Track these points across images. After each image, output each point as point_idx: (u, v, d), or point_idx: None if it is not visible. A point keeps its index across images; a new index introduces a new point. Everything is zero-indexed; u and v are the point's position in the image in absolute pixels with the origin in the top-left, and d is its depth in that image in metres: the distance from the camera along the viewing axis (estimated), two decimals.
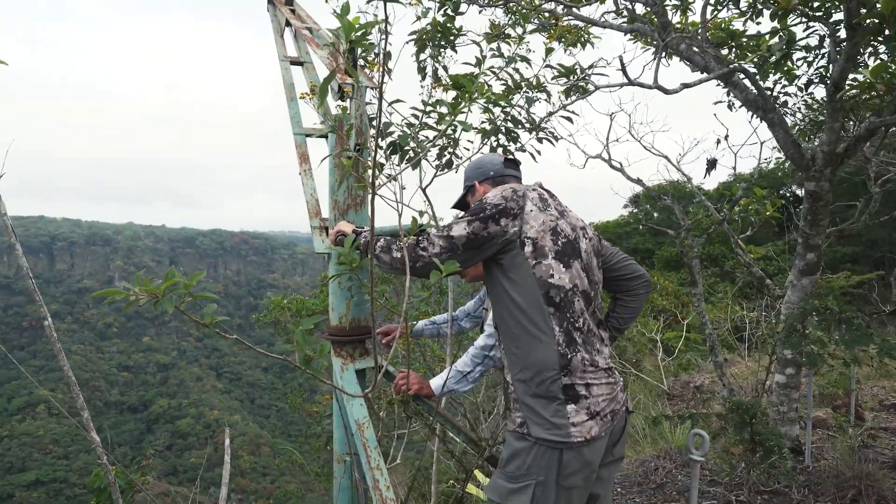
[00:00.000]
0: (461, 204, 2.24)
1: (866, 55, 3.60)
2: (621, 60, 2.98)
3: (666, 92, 3.18)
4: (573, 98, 3.37)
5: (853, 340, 2.68)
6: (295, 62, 3.48)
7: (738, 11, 4.34)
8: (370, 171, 2.39)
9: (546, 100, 3.18)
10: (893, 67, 2.13)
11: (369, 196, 2.55)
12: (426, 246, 1.85)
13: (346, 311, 2.41)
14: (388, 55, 3.05)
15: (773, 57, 3.07)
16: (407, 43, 3.60)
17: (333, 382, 2.48)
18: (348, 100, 2.48)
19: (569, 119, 3.13)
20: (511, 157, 2.14)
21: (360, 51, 2.83)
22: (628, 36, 5.00)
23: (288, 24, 3.63)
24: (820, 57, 4.04)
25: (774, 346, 3.49)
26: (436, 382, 2.42)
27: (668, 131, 5.95)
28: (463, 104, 1.76)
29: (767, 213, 5.50)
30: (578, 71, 3.37)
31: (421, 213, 1.83)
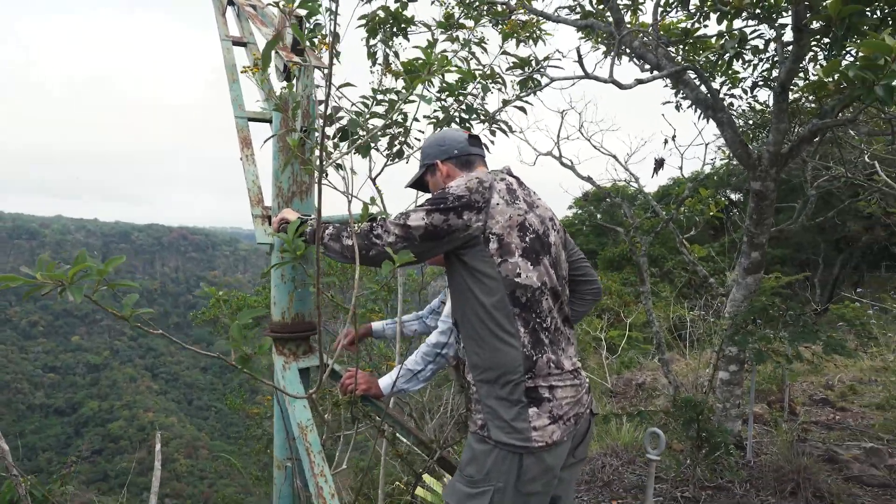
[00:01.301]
0: (418, 183, 2.09)
1: (807, 59, 3.69)
2: (578, 52, 2.93)
3: (621, 87, 3.15)
4: (528, 90, 3.30)
5: (800, 337, 2.73)
6: (237, 42, 3.28)
7: (686, 13, 4.40)
8: (317, 155, 2.24)
9: (500, 90, 3.11)
10: (843, 68, 2.15)
11: (316, 182, 2.40)
12: (380, 233, 1.71)
13: (289, 306, 2.25)
14: (336, 36, 2.90)
15: (727, 55, 3.09)
16: (358, 27, 3.45)
17: (274, 383, 2.31)
18: (294, 80, 2.32)
19: (522, 110, 3.05)
20: (473, 133, 2.00)
21: (307, 29, 2.66)
22: (580, 33, 5.00)
23: (231, 2, 3.42)
24: (764, 60, 4.14)
25: (721, 343, 3.54)
26: (385, 382, 2.29)
27: (616, 130, 6.01)
28: (425, 74, 1.63)
29: (711, 214, 5.65)
30: (534, 63, 3.30)
31: (372, 201, 1.70)
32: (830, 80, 2.45)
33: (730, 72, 4.60)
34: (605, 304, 12.50)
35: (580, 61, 2.99)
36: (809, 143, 3.56)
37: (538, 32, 5.25)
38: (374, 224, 1.73)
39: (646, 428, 4.92)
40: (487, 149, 3.20)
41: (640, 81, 3.21)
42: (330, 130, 2.79)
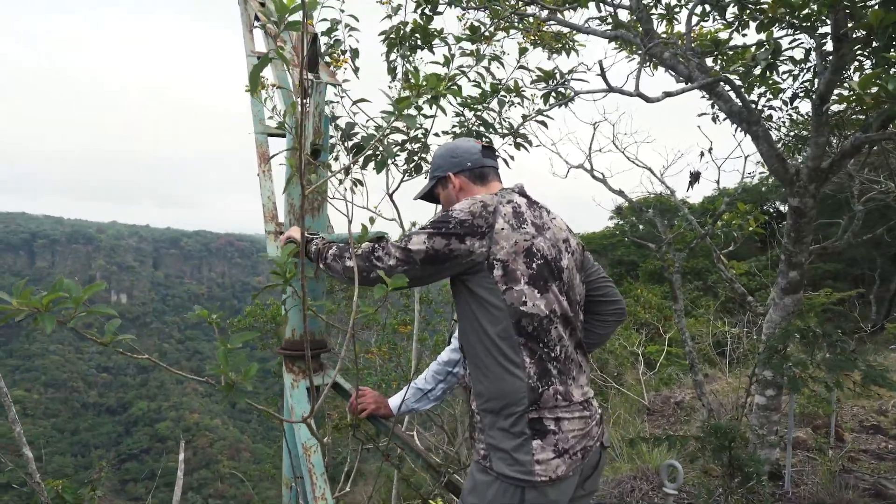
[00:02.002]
0: (429, 195, 2.01)
1: (852, 69, 3.51)
2: (601, 65, 2.85)
3: (648, 100, 3.06)
4: (552, 104, 3.24)
5: (836, 364, 2.56)
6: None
7: (724, 22, 4.26)
8: (323, 173, 2.24)
9: (520, 104, 3.05)
10: (882, 80, 2.02)
11: (326, 200, 2.39)
12: (381, 256, 1.68)
13: (284, 326, 2.24)
14: (355, 52, 2.90)
15: (759, 67, 2.96)
16: (381, 42, 3.45)
17: (285, 400, 2.31)
18: (308, 97, 2.33)
19: (544, 124, 2.99)
20: (488, 144, 1.91)
21: (322, 46, 2.67)
22: (612, 44, 4.90)
23: (257, 17, 3.48)
24: (805, 70, 3.96)
25: (755, 367, 3.37)
26: (394, 401, 2.26)
27: (652, 142, 5.86)
28: (418, 96, 1.60)
29: (750, 229, 5.43)
30: (558, 76, 3.23)
31: (371, 220, 1.68)
32: (869, 93, 2.32)
33: (770, 82, 4.43)
34: (644, 318, 12.18)
35: (603, 75, 2.91)
36: (852, 157, 3.37)
37: (571, 43, 5.17)
38: (376, 246, 1.70)
39: (677, 452, 4.74)
40: (507, 163, 3.16)
41: (668, 94, 3.11)
42: (346, 145, 2.79)
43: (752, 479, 3.06)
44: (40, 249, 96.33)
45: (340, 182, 3.05)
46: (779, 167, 3.49)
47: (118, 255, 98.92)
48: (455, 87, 2.58)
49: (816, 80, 3.91)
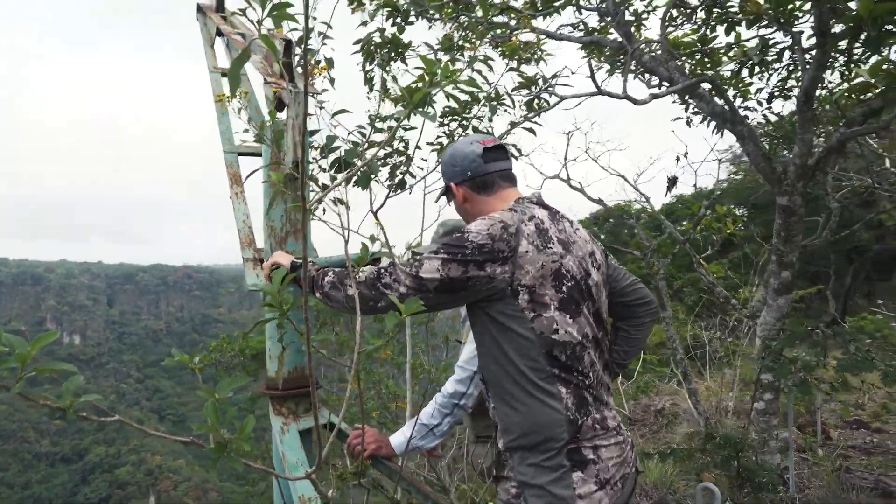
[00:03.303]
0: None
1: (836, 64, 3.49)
2: (590, 66, 2.74)
3: (635, 102, 2.96)
4: (536, 111, 3.10)
5: (855, 366, 2.47)
6: (226, 74, 3.11)
7: (693, 27, 4.23)
8: (308, 189, 2.02)
9: (507, 111, 2.91)
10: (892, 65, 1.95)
11: (311, 221, 2.17)
12: (390, 283, 1.48)
13: (280, 365, 2.00)
14: (330, 62, 2.71)
15: (752, 62, 2.90)
16: (354, 53, 3.27)
17: (273, 446, 2.06)
18: (286, 109, 2.12)
19: (532, 131, 2.85)
20: (495, 143, 1.68)
21: (297, 56, 2.46)
22: (583, 52, 4.84)
23: (219, 32, 3.26)
24: (780, 69, 3.95)
25: (760, 371, 3.27)
26: (397, 439, 2.04)
27: (624, 150, 5.83)
28: (427, 86, 1.41)
29: (728, 231, 5.41)
30: (541, 82, 3.11)
31: (372, 239, 1.48)
32: (861, 82, 2.25)
33: (741, 85, 4.42)
34: None
35: (592, 76, 2.79)
36: (839, 153, 3.34)
37: (539, 53, 5.08)
38: (383, 271, 1.50)
39: (674, 463, 4.61)
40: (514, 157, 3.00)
41: (655, 96, 3.02)
42: (325, 162, 2.58)
43: (766, 489, 2.93)
44: None
45: (319, 202, 2.83)
46: (765, 166, 3.44)
47: (69, 294, 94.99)
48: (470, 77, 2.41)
49: (792, 79, 3.90)
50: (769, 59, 3.47)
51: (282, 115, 2.20)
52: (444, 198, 1.80)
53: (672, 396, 9.16)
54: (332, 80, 2.77)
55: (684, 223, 5.36)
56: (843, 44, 3.03)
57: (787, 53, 3.70)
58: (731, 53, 3.16)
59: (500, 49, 4.69)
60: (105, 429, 66.61)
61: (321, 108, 2.28)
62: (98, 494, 54.64)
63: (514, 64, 3.78)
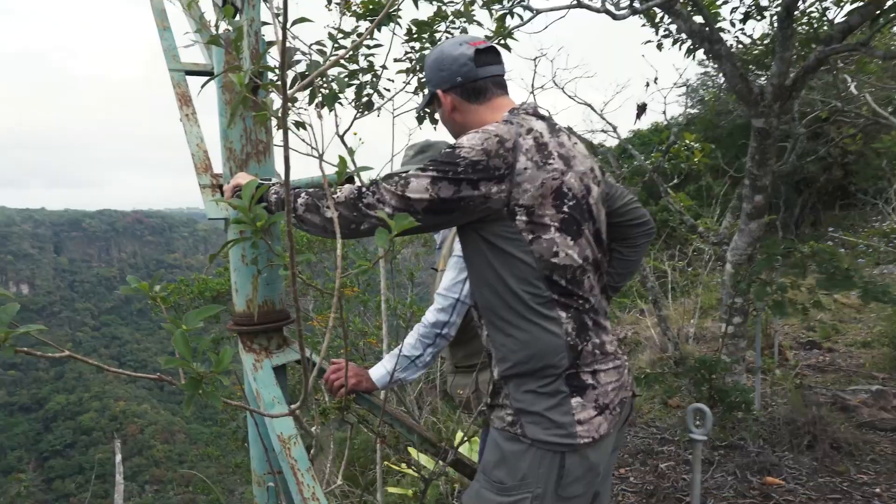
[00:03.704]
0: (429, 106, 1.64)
1: None
2: None
3: (614, 17, 2.79)
4: (511, 26, 2.90)
5: (834, 285, 2.48)
6: None
7: None
8: (272, 101, 1.83)
9: (479, 25, 2.70)
10: None
11: (275, 138, 1.98)
12: (372, 203, 1.34)
13: (255, 292, 1.86)
14: None
15: None
16: None
17: (244, 385, 1.94)
18: (238, 13, 1.88)
19: (507, 48, 2.66)
20: (486, 45, 1.50)
21: None
22: None
23: None
24: None
25: (735, 295, 3.29)
26: (377, 372, 1.94)
27: (591, 77, 5.65)
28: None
29: (696, 160, 5.38)
30: None
31: (351, 152, 1.32)
32: None
33: (711, 8, 4.27)
34: None
35: None
36: (815, 72, 3.27)
37: None
38: (364, 190, 1.36)
39: (644, 388, 4.71)
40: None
41: (634, 10, 2.84)
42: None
43: (739, 408, 2.99)
44: None
45: (278, 128, 2.61)
46: (742, 87, 3.34)
47: (11, 243, 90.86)
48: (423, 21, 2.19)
49: None
50: None
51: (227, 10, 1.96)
52: (415, 119, 1.64)
53: (633, 325, 9.41)
54: None
55: (652, 154, 5.29)
56: None
57: None
58: None
59: None
60: (64, 377, 65.52)
61: (277, 16, 2.05)
62: (62, 441, 54.28)
63: None
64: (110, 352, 74.11)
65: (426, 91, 1.57)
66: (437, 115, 1.60)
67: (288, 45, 2.14)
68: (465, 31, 2.77)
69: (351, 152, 2.38)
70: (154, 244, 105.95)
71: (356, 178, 1.90)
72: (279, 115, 1.38)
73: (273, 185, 1.56)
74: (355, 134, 1.52)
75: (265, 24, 1.99)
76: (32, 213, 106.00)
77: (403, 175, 1.34)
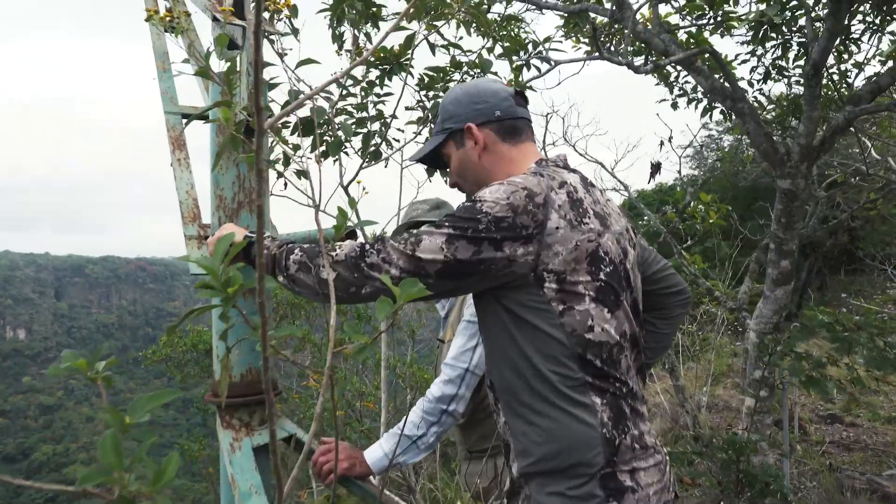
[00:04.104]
0: (431, 157, 1.43)
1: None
2: (593, 27, 2.42)
3: (636, 71, 2.66)
4: (527, 79, 2.77)
5: (885, 363, 2.24)
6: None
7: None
8: (269, 143, 1.65)
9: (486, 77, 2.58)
10: None
11: (274, 186, 1.80)
12: (377, 263, 1.13)
13: (225, 372, 1.62)
14: (294, 9, 2.32)
15: (776, 17, 2.63)
16: (320, 11, 2.88)
17: (220, 465, 1.68)
18: (239, 50, 1.73)
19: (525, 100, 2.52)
20: (518, 89, 1.37)
21: None
22: (561, 30, 4.53)
23: None
24: (776, 46, 3.71)
25: (766, 367, 3.03)
26: (374, 454, 1.69)
27: (603, 135, 5.57)
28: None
29: (712, 221, 5.21)
30: (531, 46, 2.78)
31: (352, 204, 1.12)
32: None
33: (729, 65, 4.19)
34: None
35: (594, 37, 2.48)
36: (843, 133, 3.12)
37: (516, 29, 4.77)
38: (368, 248, 1.15)
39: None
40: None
41: (657, 65, 2.72)
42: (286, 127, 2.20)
43: (773, 495, 2.69)
44: None
45: (280, 175, 2.44)
46: (767, 147, 3.19)
47: (13, 287, 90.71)
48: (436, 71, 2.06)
49: (790, 54, 3.68)
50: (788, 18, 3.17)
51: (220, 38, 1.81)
52: (425, 171, 1.47)
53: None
54: (295, 32, 2.39)
55: (665, 214, 5.13)
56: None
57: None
58: (758, 10, 2.87)
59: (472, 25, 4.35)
60: (52, 426, 63.91)
61: (282, 56, 1.90)
62: (44, 495, 52.38)
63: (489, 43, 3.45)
64: (102, 400, 72.54)
65: (444, 128, 1.36)
66: (451, 162, 1.40)
67: (292, 87, 1.99)
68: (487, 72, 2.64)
69: (352, 203, 2.19)
70: (155, 292, 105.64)
71: (359, 234, 1.70)
72: (277, 159, 1.19)
73: (264, 238, 1.35)
74: (359, 182, 1.36)
75: (268, 64, 1.84)
76: (36, 257, 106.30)
77: (415, 232, 1.14)
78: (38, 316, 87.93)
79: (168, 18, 1.55)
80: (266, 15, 1.88)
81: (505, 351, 1.18)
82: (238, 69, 1.62)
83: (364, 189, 1.27)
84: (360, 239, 1.51)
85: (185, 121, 2.11)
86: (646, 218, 6.98)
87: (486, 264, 1.11)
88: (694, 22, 3.64)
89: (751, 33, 3.04)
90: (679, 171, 5.93)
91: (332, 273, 1.08)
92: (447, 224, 1.12)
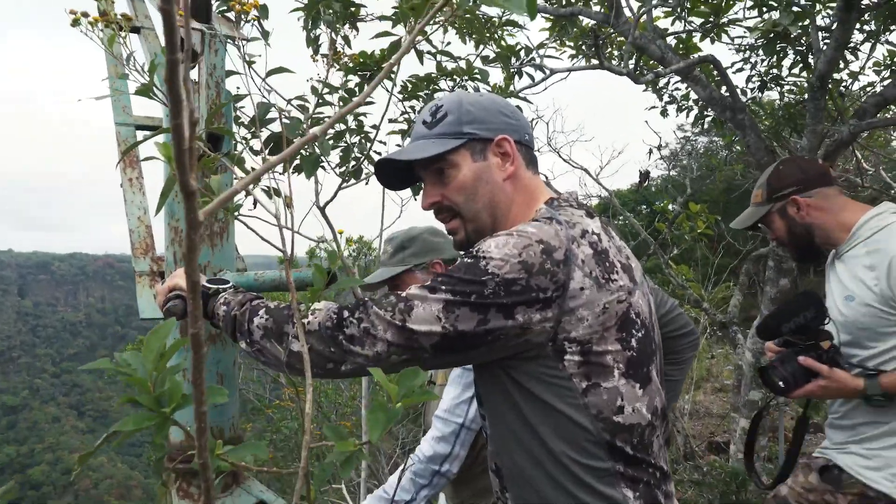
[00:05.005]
0: (418, 169, 1.11)
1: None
2: (595, 32, 2.23)
3: (637, 81, 2.48)
4: (518, 88, 2.57)
5: None
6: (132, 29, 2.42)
7: (667, 9, 3.80)
8: (227, 173, 1.42)
9: (476, 89, 2.38)
10: None
11: (234, 220, 1.57)
12: (357, 335, 0.91)
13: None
14: (264, 10, 2.08)
15: (791, 28, 2.48)
16: (293, 11, 2.64)
17: None
18: (199, 60, 1.49)
19: (519, 109, 2.33)
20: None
21: None
22: (549, 34, 4.35)
23: None
24: (775, 56, 3.57)
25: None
26: None
27: (589, 141, 5.42)
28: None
29: (699, 231, 5.09)
30: (523, 53, 2.58)
31: (333, 258, 0.91)
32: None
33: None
34: None
35: (596, 44, 2.29)
36: (848, 146, 3.00)
37: (500, 32, 4.56)
38: (347, 316, 0.93)
39: None
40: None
41: (657, 74, 2.55)
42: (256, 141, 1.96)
43: None
44: None
45: (247, 194, 2.20)
46: (768, 160, 3.05)
47: None
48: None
49: (784, 64, 3.55)
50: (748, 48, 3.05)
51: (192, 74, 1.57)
52: (402, 192, 1.26)
53: None
54: (265, 34, 2.15)
55: (655, 223, 4.99)
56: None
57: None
58: (768, 19, 2.72)
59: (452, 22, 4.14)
60: (16, 427, 62.02)
61: (250, 64, 1.67)
62: (7, 497, 50.92)
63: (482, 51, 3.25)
64: (70, 400, 70.79)
65: (461, 131, 1.04)
66: (451, 178, 1.10)
67: (263, 100, 1.76)
68: (477, 89, 2.44)
69: (331, 226, 1.97)
70: (124, 289, 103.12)
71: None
72: (239, 204, 0.99)
73: (223, 291, 1.11)
74: (341, 233, 1.15)
75: (231, 72, 1.61)
76: None
77: (404, 295, 0.92)
78: (0, 314, 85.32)
79: (99, 23, 1.30)
80: (231, 16, 1.63)
81: (515, 433, 0.98)
82: (197, 81, 1.39)
83: (349, 242, 1.05)
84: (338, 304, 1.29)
85: (140, 135, 1.87)
86: (621, 218, 6.85)
87: (495, 335, 0.90)
88: (687, 27, 3.49)
89: (757, 41, 2.89)
90: (666, 179, 5.82)
91: (304, 345, 0.86)
92: (444, 287, 0.90)
